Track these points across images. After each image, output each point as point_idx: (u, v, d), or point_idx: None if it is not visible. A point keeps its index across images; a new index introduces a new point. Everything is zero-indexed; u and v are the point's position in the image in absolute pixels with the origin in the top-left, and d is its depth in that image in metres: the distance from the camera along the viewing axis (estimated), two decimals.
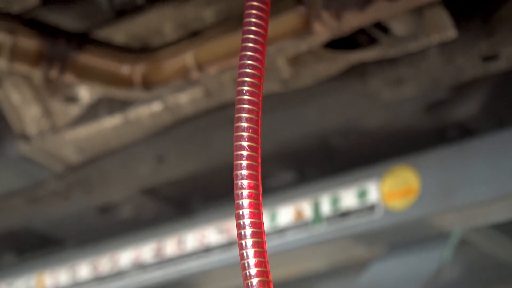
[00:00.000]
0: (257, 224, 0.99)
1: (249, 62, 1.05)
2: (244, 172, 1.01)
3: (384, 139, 2.25)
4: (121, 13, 1.85)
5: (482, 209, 2.00)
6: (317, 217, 2.20)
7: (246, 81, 1.05)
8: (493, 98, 2.05)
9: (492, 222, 2.15)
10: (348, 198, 2.16)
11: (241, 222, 0.99)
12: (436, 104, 2.07)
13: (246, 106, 1.04)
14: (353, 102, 2.06)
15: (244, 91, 1.04)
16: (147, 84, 1.82)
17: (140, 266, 2.50)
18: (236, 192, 1.00)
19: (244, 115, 1.03)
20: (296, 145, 2.29)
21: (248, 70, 1.05)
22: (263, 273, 0.97)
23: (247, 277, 0.97)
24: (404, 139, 2.22)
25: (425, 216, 2.05)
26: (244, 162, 1.01)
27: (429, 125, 2.17)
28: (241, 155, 1.01)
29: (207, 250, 2.37)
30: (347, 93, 2.02)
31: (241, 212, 0.99)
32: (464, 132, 2.15)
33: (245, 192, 1.00)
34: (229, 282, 2.47)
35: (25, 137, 2.12)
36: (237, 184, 1.00)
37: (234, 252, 2.28)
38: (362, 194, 2.13)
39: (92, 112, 2.08)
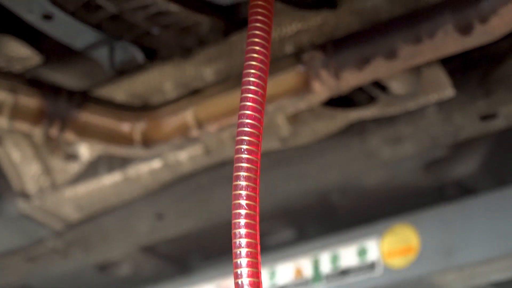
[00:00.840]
0: (256, 284, 0.97)
1: (248, 121, 1.05)
2: (243, 231, 1.00)
3: (383, 196, 2.23)
4: (122, 72, 1.85)
5: (482, 268, 1.97)
6: (317, 275, 2.17)
7: (244, 139, 1.04)
8: (492, 157, 2.04)
9: (492, 281, 2.12)
10: (348, 256, 2.14)
11: (240, 282, 0.97)
12: (435, 162, 2.06)
13: (244, 164, 1.03)
14: (352, 160, 2.05)
15: (242, 150, 1.04)
16: (147, 141, 1.81)
17: None
18: (234, 250, 0.99)
19: (242, 173, 1.03)
20: (296, 202, 2.27)
21: (246, 129, 1.05)
22: None
23: None
24: (403, 197, 2.20)
25: (425, 275, 2.03)
26: (243, 221, 1.00)
27: (428, 183, 2.15)
28: (239, 213, 1.00)
29: None
30: (346, 150, 2.02)
31: (239, 271, 0.98)
32: (463, 190, 2.14)
33: (244, 251, 0.98)
34: None
35: (24, 195, 2.10)
36: (235, 242, 0.99)
37: None
38: (362, 252, 2.11)
39: (92, 169, 2.07)
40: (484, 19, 1.40)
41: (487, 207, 1.97)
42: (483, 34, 1.45)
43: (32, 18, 1.56)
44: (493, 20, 1.39)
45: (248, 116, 1.06)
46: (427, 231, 2.03)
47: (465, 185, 2.14)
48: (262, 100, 1.08)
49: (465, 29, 1.45)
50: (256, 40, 1.05)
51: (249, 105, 1.06)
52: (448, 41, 1.48)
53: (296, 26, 1.74)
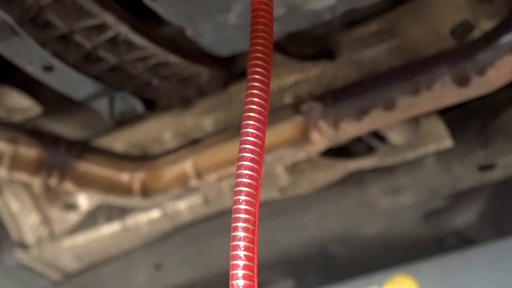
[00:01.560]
0: None
1: (246, 172, 1.04)
2: (240, 283, 0.98)
3: (382, 247, 2.21)
4: (122, 122, 1.85)
5: None
6: None
7: (243, 190, 1.03)
8: (492, 206, 2.03)
9: None
10: None
11: None
12: (435, 213, 2.04)
13: (242, 215, 1.02)
14: (351, 210, 2.04)
15: (241, 201, 1.03)
16: (146, 191, 1.80)
17: None
18: None
19: (240, 224, 1.02)
20: (295, 252, 2.25)
21: (245, 180, 1.04)
22: None
23: None
24: (403, 247, 2.18)
25: None
26: (240, 272, 0.98)
27: (428, 233, 2.14)
28: (237, 265, 0.99)
29: None
30: (345, 200, 2.00)
31: None
32: (463, 240, 2.12)
33: None
34: None
35: (23, 245, 2.09)
36: None
37: None
38: None
39: (91, 219, 2.05)
40: (481, 71, 1.41)
41: (487, 257, 1.95)
42: (480, 86, 1.45)
43: (33, 69, 1.57)
44: (490, 72, 1.40)
45: (246, 167, 1.05)
46: (427, 281, 2.01)
47: (465, 235, 2.12)
48: (261, 151, 1.07)
49: (463, 81, 1.45)
50: (255, 91, 1.05)
51: (247, 156, 1.06)
52: (446, 93, 1.48)
53: (295, 77, 1.75)
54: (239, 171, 1.05)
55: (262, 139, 1.07)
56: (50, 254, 2.11)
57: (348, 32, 1.68)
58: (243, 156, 1.06)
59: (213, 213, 2.01)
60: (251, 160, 1.05)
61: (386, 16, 1.64)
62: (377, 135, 1.75)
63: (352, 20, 1.67)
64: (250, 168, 1.05)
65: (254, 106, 1.07)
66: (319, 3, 1.40)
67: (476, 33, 1.52)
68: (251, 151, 1.06)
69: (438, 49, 1.54)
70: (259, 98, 1.07)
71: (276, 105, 1.73)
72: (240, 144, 1.07)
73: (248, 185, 1.04)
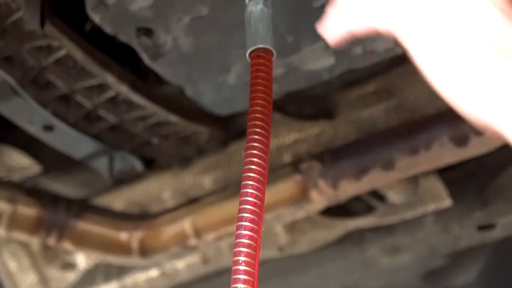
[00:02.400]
0: None
1: (246, 232, 1.02)
2: None
3: None
4: (121, 181, 1.84)
5: None
6: None
7: (242, 251, 1.01)
8: (490, 266, 2.00)
9: None
10: None
11: None
12: (434, 272, 2.02)
13: (242, 276, 1.00)
14: (351, 269, 2.01)
15: (240, 262, 1.01)
16: (145, 251, 1.78)
17: None
18: None
19: (240, 286, 0.99)
20: None
21: (244, 241, 1.02)
22: None
23: None
24: None
25: None
26: None
27: None
28: None
29: None
30: (344, 259, 1.98)
31: None
32: None
33: None
34: None
35: None
36: None
37: None
38: None
39: (89, 278, 2.02)
40: (479, 131, 1.40)
41: None
42: (479, 146, 1.44)
43: (33, 129, 1.56)
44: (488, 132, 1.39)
45: (246, 228, 1.03)
46: None
47: None
48: (260, 211, 1.06)
49: (461, 141, 1.44)
50: (254, 151, 1.04)
51: (247, 217, 1.04)
52: (444, 153, 1.48)
53: (294, 136, 1.74)
54: (239, 232, 1.03)
55: (261, 199, 1.06)
56: None
57: (346, 92, 1.68)
58: (243, 216, 1.04)
59: (211, 272, 1.98)
60: (251, 220, 1.03)
61: (384, 77, 1.64)
62: (376, 194, 1.74)
63: (351, 80, 1.67)
64: (249, 229, 1.03)
65: (253, 166, 1.06)
66: (318, 64, 1.40)
67: None
68: (251, 212, 1.05)
69: (436, 109, 1.54)
70: (259, 158, 1.06)
71: (275, 163, 1.71)
72: (240, 204, 1.05)
73: (248, 246, 1.02)
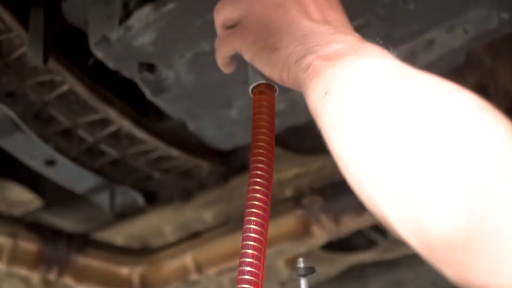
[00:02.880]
0: None
1: (248, 269, 1.01)
2: None
3: None
4: (122, 215, 1.83)
5: None
6: None
7: None
8: None
9: None
10: None
11: None
12: None
13: None
14: None
15: None
16: (146, 285, 1.76)
17: None
18: None
19: None
20: None
21: (247, 277, 1.01)
22: None
23: None
24: None
25: None
26: None
27: None
28: None
29: None
30: None
31: None
32: None
33: None
34: None
35: None
36: None
37: None
38: None
39: None
40: None
41: None
42: None
43: (35, 164, 1.55)
44: None
45: (248, 264, 1.02)
46: None
47: None
48: (263, 247, 1.05)
49: None
50: (257, 187, 1.03)
51: (249, 253, 1.03)
52: None
53: (295, 170, 1.73)
54: (241, 268, 1.02)
55: (264, 235, 1.05)
56: None
57: None
58: (245, 252, 1.03)
59: None
60: (253, 256, 1.02)
61: None
62: (378, 229, 1.73)
63: None
64: (252, 265, 1.02)
65: (256, 202, 1.05)
66: None
67: None
68: (253, 248, 1.03)
69: None
70: (261, 194, 1.05)
71: (276, 198, 1.71)
72: (242, 240, 1.04)
73: (250, 282, 1.00)
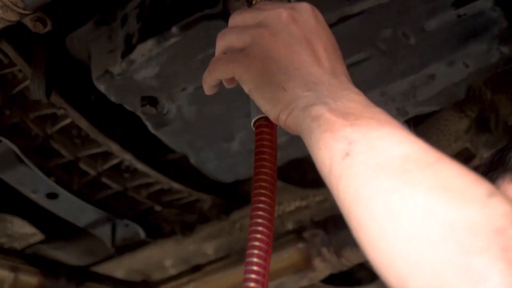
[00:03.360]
0: None
1: None
2: None
3: None
4: (123, 248, 1.81)
5: None
6: None
7: None
8: None
9: None
10: None
11: None
12: None
13: None
14: None
15: None
16: None
17: None
18: None
19: None
20: None
21: None
22: None
23: None
24: None
25: None
26: None
27: None
28: None
29: None
30: None
31: None
32: None
33: None
34: None
35: None
36: None
37: None
38: None
39: None
40: None
41: None
42: None
43: (37, 197, 1.55)
44: None
45: None
46: None
47: None
48: (265, 280, 1.04)
49: None
50: (259, 220, 1.02)
51: (251, 286, 1.01)
52: None
53: (297, 203, 1.72)
54: None
55: (266, 268, 1.03)
56: None
57: None
58: (247, 286, 1.02)
59: None
60: None
61: None
62: None
63: None
64: None
65: (258, 235, 1.04)
66: None
67: (476, 162, 1.51)
68: (255, 281, 1.02)
69: None
70: (263, 227, 1.04)
71: (278, 231, 1.69)
72: (245, 274, 1.03)
73: None
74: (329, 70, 0.78)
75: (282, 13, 0.81)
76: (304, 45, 0.79)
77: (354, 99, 0.72)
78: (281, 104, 0.78)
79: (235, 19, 0.86)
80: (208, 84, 0.87)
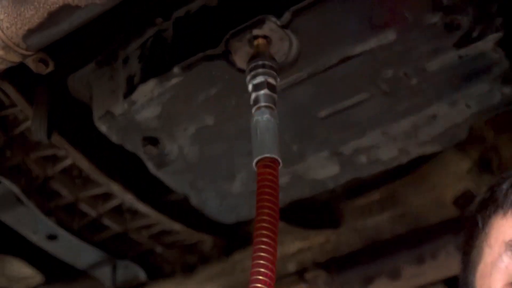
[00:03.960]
0: None
1: None
2: None
3: None
4: None
5: None
6: None
7: None
8: None
9: None
10: None
11: None
12: None
13: None
14: None
15: None
16: None
17: None
18: None
19: None
20: None
21: None
22: None
23: None
24: None
25: None
26: None
27: None
28: None
29: None
30: None
31: None
32: None
33: None
34: None
35: None
36: None
37: None
38: None
39: None
40: None
41: None
42: None
43: (37, 238, 1.54)
44: None
45: None
46: None
47: None
48: None
49: None
50: (261, 262, 1.01)
51: None
52: (451, 262, 1.44)
53: (299, 244, 1.71)
54: None
55: None
56: None
57: (351, 200, 1.66)
58: None
59: None
60: None
61: (388, 185, 1.62)
62: None
63: (355, 188, 1.65)
64: None
65: (260, 277, 1.02)
66: (322, 172, 1.39)
67: None
68: None
69: (441, 218, 1.51)
70: (265, 269, 1.03)
71: (279, 272, 1.66)
72: None
73: None
74: None
75: None
76: None
77: None
78: None
79: None
80: None
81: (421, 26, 1.05)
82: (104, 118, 1.23)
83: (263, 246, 1.02)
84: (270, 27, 1.05)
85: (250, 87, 1.02)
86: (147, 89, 1.16)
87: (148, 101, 1.18)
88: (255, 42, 1.07)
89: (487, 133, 1.46)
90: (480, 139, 1.47)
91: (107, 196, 1.50)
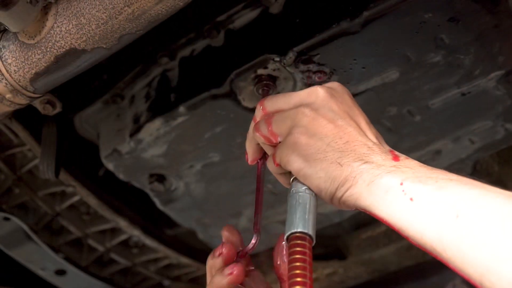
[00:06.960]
0: None
1: None
2: None
3: None
4: None
5: None
6: None
7: None
8: None
9: None
10: None
11: None
12: None
13: None
14: None
15: None
16: None
17: None
18: None
19: None
20: None
21: None
22: None
23: None
24: None
25: None
26: None
27: None
28: None
29: None
30: None
31: None
32: None
33: None
34: None
35: None
36: None
37: None
38: None
39: None
40: None
41: None
42: None
43: (45, 274, 1.53)
44: None
45: None
46: None
47: None
48: None
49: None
50: None
51: None
52: None
53: None
54: None
55: None
56: None
57: (357, 233, 1.65)
58: None
59: None
60: None
61: None
62: None
63: (362, 221, 1.64)
64: None
65: None
66: (328, 206, 1.38)
67: None
68: None
69: None
70: None
71: None
72: None
73: None
74: (375, 139, 0.78)
75: (319, 91, 0.81)
76: (347, 118, 0.79)
77: (412, 165, 0.72)
78: (337, 181, 0.75)
79: (268, 106, 0.86)
80: (253, 156, 0.91)
81: (423, 65, 1.05)
82: (111, 156, 1.23)
83: None
84: (274, 66, 1.05)
85: None
86: (153, 127, 1.17)
87: (154, 139, 1.18)
88: (257, 80, 1.07)
89: (492, 166, 1.45)
90: (486, 172, 1.45)
91: (114, 231, 1.49)
